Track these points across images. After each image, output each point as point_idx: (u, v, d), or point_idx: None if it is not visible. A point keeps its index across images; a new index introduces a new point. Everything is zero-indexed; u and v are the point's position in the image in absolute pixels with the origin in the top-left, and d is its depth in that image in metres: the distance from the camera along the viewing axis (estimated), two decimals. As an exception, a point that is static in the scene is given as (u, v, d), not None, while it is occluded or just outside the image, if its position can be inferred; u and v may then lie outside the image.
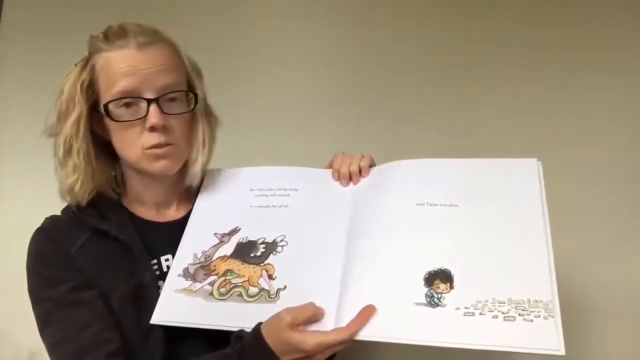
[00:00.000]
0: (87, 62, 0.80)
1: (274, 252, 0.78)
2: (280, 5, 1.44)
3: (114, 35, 0.79)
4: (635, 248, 1.21)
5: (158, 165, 0.80)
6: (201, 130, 0.85)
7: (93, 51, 0.80)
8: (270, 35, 1.42)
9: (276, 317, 0.68)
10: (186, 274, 0.79)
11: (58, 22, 1.47)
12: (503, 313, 0.66)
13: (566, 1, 1.29)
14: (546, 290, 0.67)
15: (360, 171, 0.86)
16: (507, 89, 1.31)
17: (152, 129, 0.77)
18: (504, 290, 0.68)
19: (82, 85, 0.78)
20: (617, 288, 1.21)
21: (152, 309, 0.76)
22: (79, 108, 0.78)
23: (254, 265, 0.77)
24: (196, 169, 0.86)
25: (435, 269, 0.71)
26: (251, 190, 0.87)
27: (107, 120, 0.79)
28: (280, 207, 0.84)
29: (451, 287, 0.71)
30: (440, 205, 0.78)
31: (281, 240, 0.79)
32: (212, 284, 0.76)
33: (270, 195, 0.85)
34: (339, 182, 0.86)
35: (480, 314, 0.66)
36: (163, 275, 0.81)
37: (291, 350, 0.67)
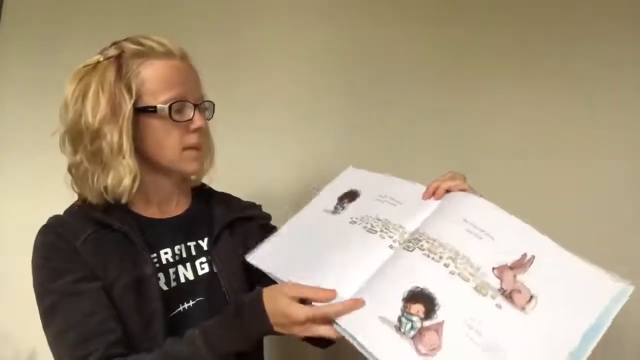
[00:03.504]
0: (120, 64, 0.82)
1: None
2: (279, 5, 1.39)
3: (155, 45, 0.84)
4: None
5: (193, 166, 0.88)
6: (211, 137, 0.94)
7: (129, 55, 0.83)
8: (269, 34, 1.39)
9: (280, 285, 0.75)
10: None
11: (59, 22, 1.45)
12: None
13: (568, 2, 1.24)
14: None
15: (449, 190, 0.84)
16: (508, 90, 1.25)
17: (197, 130, 0.86)
18: None
19: (127, 86, 0.81)
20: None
21: (152, 299, 0.80)
22: (126, 111, 0.80)
23: None
24: (204, 172, 0.95)
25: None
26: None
27: (150, 121, 0.83)
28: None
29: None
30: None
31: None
32: None
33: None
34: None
35: None
36: (162, 268, 0.85)
37: (280, 314, 0.72)
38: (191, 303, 0.86)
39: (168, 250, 0.88)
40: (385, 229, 0.83)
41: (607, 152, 1.19)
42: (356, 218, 0.88)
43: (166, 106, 0.82)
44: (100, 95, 0.80)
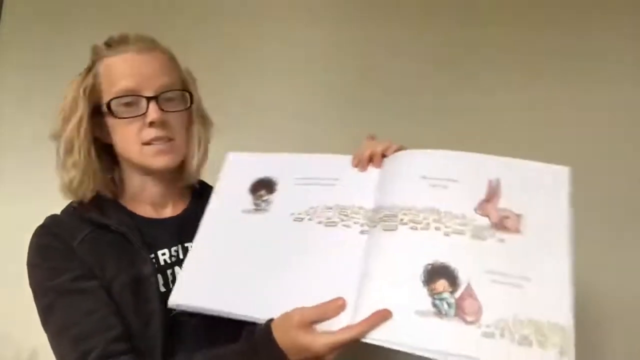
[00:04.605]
0: (90, 69, 0.85)
1: None
2: (279, 4, 1.42)
3: (116, 43, 0.85)
4: (633, 251, 1.21)
5: (158, 160, 0.84)
6: (196, 130, 0.91)
7: (96, 59, 0.86)
8: (269, 33, 1.41)
9: (286, 316, 0.69)
10: None
11: (58, 23, 1.50)
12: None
13: (567, 2, 1.29)
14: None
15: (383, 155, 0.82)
16: (509, 89, 1.28)
17: (152, 124, 0.83)
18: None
19: (84, 89, 0.83)
20: (616, 292, 1.23)
21: (150, 300, 0.79)
22: (81, 110, 0.83)
23: None
24: (193, 168, 0.91)
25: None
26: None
27: (109, 120, 0.84)
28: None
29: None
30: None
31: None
32: None
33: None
34: (357, 169, 0.83)
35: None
36: (161, 268, 0.84)
37: (300, 350, 0.68)
38: None
39: (165, 251, 0.86)
40: (344, 216, 0.79)
41: (609, 151, 1.25)
42: (300, 214, 0.82)
43: (105, 104, 0.83)
44: (67, 100, 0.84)
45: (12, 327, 1.36)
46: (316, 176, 0.85)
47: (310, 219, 0.80)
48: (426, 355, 0.65)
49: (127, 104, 0.83)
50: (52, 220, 0.85)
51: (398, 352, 0.66)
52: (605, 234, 1.28)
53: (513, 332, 0.64)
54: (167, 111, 0.84)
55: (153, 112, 0.82)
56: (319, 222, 0.80)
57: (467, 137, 1.33)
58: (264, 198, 0.85)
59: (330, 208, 0.81)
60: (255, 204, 0.84)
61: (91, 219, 0.83)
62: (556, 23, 1.34)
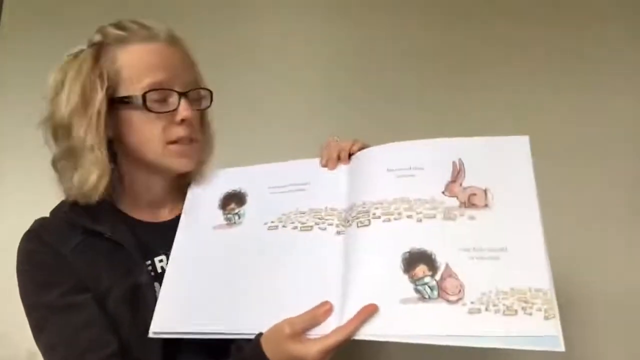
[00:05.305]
0: (99, 52, 0.78)
1: None
2: (278, 3, 1.44)
3: (138, 29, 0.79)
4: (630, 247, 1.21)
5: (181, 162, 0.81)
6: (209, 130, 0.89)
7: (110, 42, 0.79)
8: (268, 32, 1.43)
9: (275, 329, 0.67)
10: None
11: (58, 22, 1.51)
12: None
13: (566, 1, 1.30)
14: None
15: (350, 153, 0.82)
16: (508, 91, 1.29)
17: (183, 121, 0.79)
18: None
19: (101, 76, 0.76)
20: (611, 286, 1.23)
21: (148, 309, 0.76)
22: (100, 100, 0.76)
23: None
24: (203, 169, 0.87)
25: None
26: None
27: (126, 113, 0.78)
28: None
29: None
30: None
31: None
32: None
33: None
34: (326, 169, 0.83)
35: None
36: (158, 277, 0.80)
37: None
38: None
39: (162, 257, 0.82)
40: (319, 219, 0.80)
41: (612, 150, 1.26)
42: (273, 221, 0.81)
43: (139, 95, 0.76)
44: (74, 86, 0.76)
45: (10, 327, 1.31)
46: (286, 183, 0.85)
47: (284, 226, 0.81)
48: (417, 341, 0.65)
49: (158, 97, 0.77)
50: (40, 225, 0.80)
51: (389, 343, 0.66)
52: (605, 233, 1.30)
53: (497, 304, 0.65)
54: (194, 109, 0.81)
55: (184, 110, 0.78)
56: (294, 228, 0.80)
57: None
58: (235, 211, 0.84)
59: (304, 212, 0.81)
60: (227, 219, 0.84)
61: (84, 225, 0.78)
62: (554, 23, 1.37)
